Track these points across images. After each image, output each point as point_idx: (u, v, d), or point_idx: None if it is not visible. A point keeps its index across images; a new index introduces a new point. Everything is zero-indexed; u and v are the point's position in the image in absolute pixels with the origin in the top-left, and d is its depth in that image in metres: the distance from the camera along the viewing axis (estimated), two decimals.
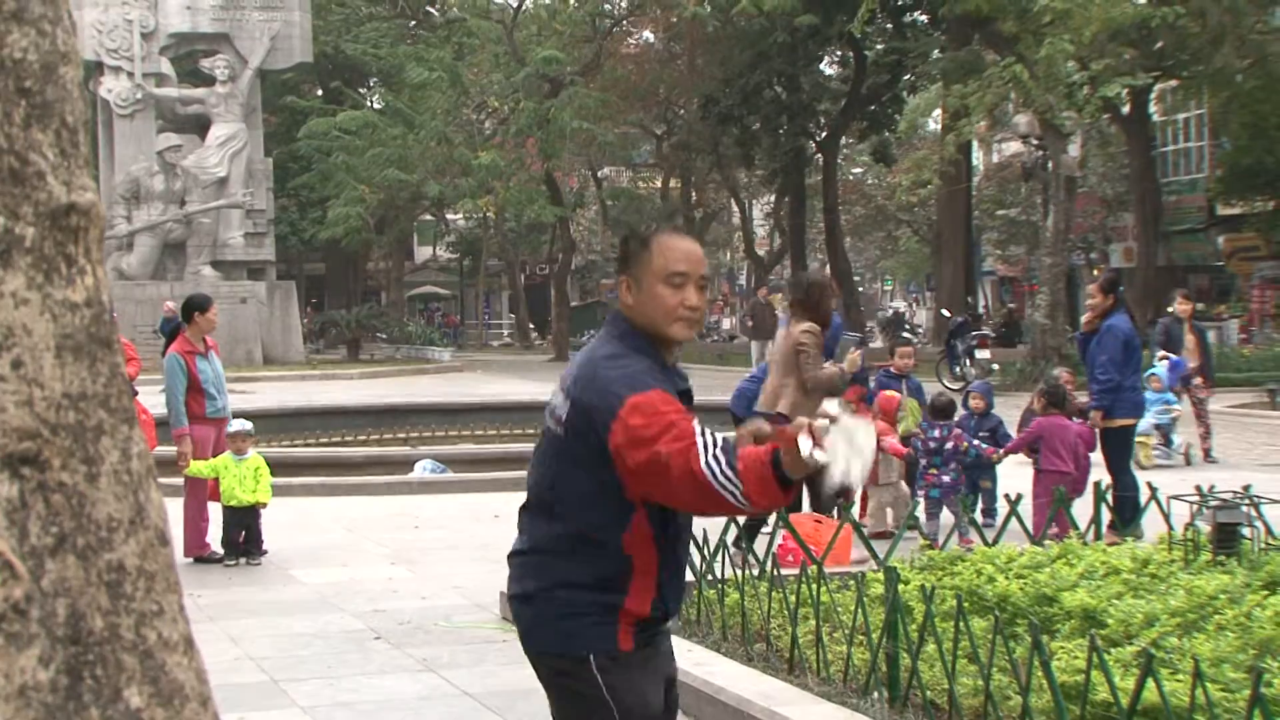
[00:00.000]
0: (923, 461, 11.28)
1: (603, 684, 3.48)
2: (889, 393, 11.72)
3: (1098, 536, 8.19)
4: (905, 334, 41.87)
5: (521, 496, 3.73)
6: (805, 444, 3.09)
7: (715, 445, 3.28)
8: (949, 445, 11.21)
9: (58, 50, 1.54)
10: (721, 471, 3.23)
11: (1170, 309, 17.84)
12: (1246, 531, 6.96)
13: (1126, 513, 9.70)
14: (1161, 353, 16.56)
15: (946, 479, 11.17)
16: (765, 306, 33.27)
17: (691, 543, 7.48)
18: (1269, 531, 7.39)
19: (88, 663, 1.41)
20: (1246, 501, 7.17)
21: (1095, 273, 51.18)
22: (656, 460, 3.28)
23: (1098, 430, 11.01)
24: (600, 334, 3.66)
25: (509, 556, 3.71)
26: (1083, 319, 11.71)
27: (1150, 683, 4.56)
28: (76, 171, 1.52)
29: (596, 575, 3.48)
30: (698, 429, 3.31)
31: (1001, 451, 11.54)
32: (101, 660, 1.42)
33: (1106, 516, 8.78)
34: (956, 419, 11.72)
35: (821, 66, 45.54)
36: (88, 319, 1.50)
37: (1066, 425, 10.79)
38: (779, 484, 3.20)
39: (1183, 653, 5.39)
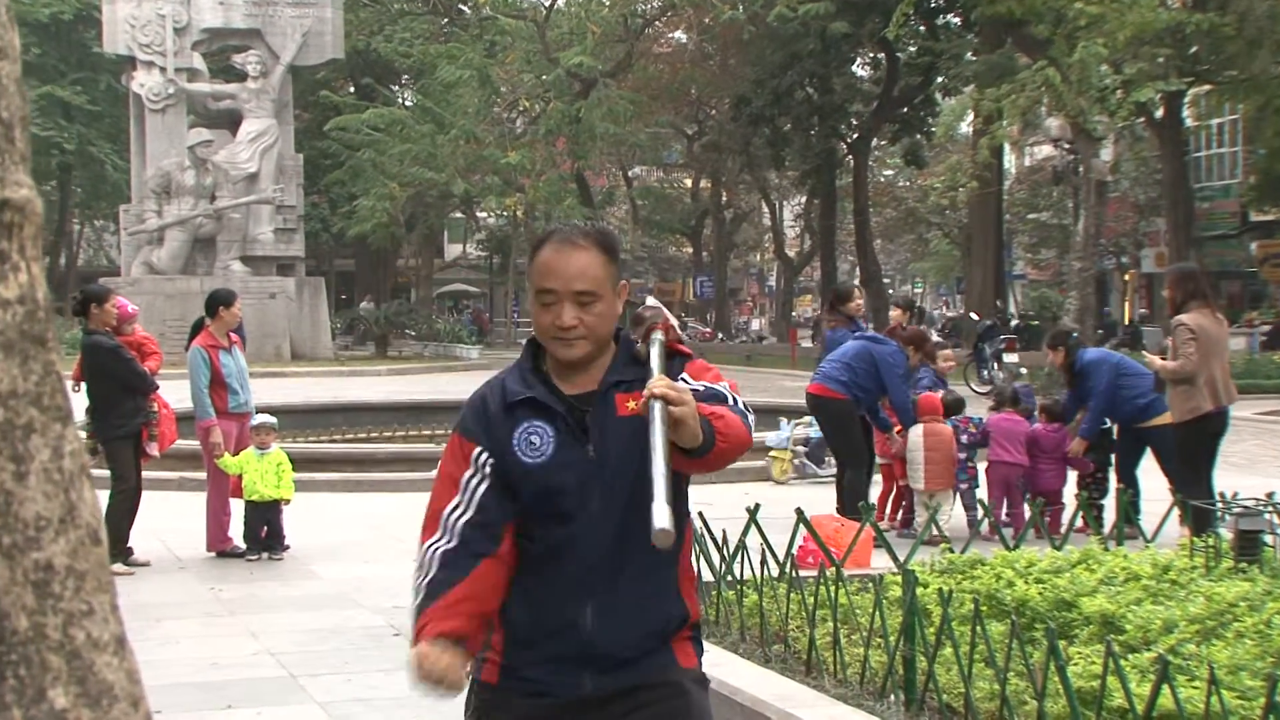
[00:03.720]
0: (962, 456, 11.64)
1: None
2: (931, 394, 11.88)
3: (1119, 541, 8.14)
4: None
5: None
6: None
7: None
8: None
9: None
10: None
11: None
12: (1269, 539, 6.90)
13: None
14: None
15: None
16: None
17: (711, 544, 7.49)
18: None
19: (11, 663, 1.40)
20: (1270, 509, 7.11)
21: (1126, 278, 51.10)
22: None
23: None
24: None
25: None
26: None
27: (1166, 689, 4.52)
28: (11, 167, 1.51)
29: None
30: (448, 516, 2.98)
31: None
32: (26, 660, 1.40)
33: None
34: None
35: (854, 68, 45.48)
36: (20, 316, 1.49)
37: (1016, 420, 11.44)
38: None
39: (1200, 660, 5.34)
